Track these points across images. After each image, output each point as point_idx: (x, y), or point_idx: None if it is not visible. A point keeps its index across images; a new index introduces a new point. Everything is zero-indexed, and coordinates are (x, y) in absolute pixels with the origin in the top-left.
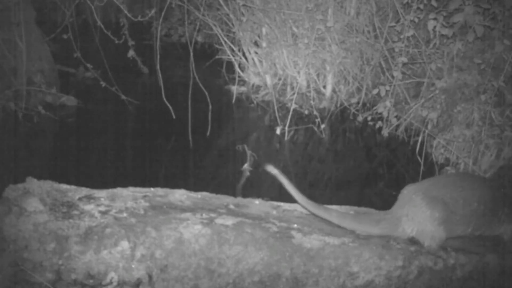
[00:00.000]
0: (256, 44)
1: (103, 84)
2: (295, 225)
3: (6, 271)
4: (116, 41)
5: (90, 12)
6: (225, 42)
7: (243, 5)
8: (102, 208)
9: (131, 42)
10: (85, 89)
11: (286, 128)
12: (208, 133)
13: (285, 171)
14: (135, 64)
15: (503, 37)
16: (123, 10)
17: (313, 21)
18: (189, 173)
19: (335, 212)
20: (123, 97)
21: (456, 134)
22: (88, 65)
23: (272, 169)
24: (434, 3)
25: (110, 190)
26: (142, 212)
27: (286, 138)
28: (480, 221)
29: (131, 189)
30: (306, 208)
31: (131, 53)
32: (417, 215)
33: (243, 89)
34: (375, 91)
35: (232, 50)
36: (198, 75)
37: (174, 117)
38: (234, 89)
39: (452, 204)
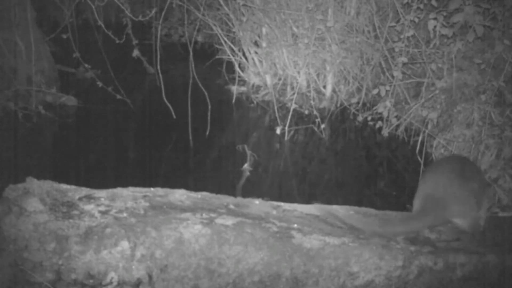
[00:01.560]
0: (256, 44)
1: (100, 84)
2: (295, 225)
3: (6, 271)
4: (117, 41)
5: (91, 12)
6: (225, 42)
7: (243, 5)
8: (102, 208)
9: (135, 42)
10: (85, 89)
11: (286, 128)
12: (207, 133)
13: (285, 171)
14: (136, 64)
15: (503, 37)
16: (125, 10)
17: (313, 21)
18: (189, 173)
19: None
20: (119, 96)
21: (456, 134)
22: (87, 65)
23: None
24: (434, 3)
25: (110, 190)
26: (142, 212)
27: (286, 138)
28: (485, 202)
29: (131, 189)
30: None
31: (135, 52)
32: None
33: (243, 89)
34: (375, 91)
35: (232, 50)
36: (198, 75)
37: (174, 117)
38: (234, 89)
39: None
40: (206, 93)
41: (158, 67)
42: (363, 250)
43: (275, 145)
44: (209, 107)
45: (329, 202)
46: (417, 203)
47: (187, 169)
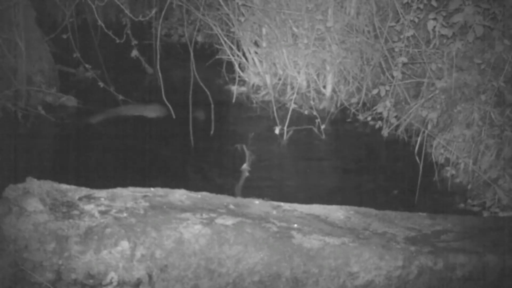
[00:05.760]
0: (256, 44)
1: (101, 84)
2: (295, 225)
3: (6, 271)
4: (117, 41)
5: (91, 12)
6: (225, 42)
7: (243, 5)
8: (102, 208)
9: (134, 42)
10: (85, 89)
11: (285, 128)
12: (211, 132)
13: (284, 170)
14: (135, 64)
15: (503, 37)
16: (124, 10)
17: (313, 21)
18: (189, 173)
19: None
20: (121, 97)
21: (456, 134)
22: (87, 65)
23: None
24: (434, 3)
25: (110, 190)
26: (142, 212)
27: (285, 138)
28: None
29: (131, 189)
30: None
31: (134, 52)
32: None
33: (243, 89)
34: (375, 91)
35: (232, 50)
36: (198, 75)
37: (174, 117)
38: (234, 89)
39: None
40: (208, 93)
41: (158, 67)
42: (363, 250)
43: (274, 145)
44: (212, 106)
45: (329, 202)
46: None
47: (187, 169)
